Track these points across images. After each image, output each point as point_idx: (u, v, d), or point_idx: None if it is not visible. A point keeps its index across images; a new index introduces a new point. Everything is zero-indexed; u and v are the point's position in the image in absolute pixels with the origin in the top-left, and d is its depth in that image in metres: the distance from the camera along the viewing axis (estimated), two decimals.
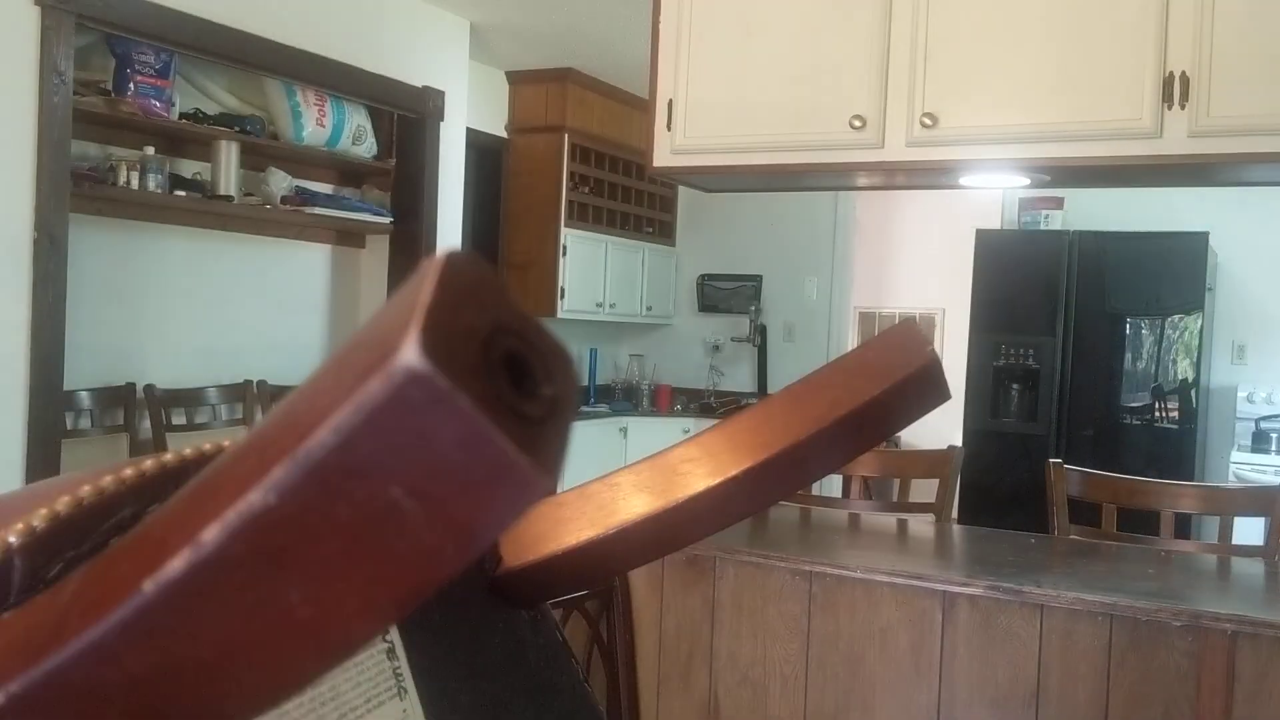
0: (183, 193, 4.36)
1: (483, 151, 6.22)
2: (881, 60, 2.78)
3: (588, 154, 6.52)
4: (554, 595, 0.77)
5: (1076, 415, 5.71)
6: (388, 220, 5.24)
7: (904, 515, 2.99)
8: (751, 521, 2.70)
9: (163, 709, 0.29)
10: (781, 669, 2.30)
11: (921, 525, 2.87)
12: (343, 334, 5.27)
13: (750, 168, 2.98)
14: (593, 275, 6.59)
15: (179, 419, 4.62)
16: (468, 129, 5.55)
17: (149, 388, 4.49)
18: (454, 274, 0.25)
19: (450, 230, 5.39)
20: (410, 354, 0.23)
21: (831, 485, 5.16)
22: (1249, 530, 2.95)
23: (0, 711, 0.28)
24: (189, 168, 4.53)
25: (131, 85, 4.08)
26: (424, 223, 5.21)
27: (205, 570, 0.25)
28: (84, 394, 4.25)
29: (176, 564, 0.25)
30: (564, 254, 6.33)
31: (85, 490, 0.46)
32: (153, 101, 4.14)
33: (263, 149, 4.71)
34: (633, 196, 6.97)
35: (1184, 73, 2.46)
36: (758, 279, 7.19)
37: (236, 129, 4.53)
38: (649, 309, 7.20)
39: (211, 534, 0.25)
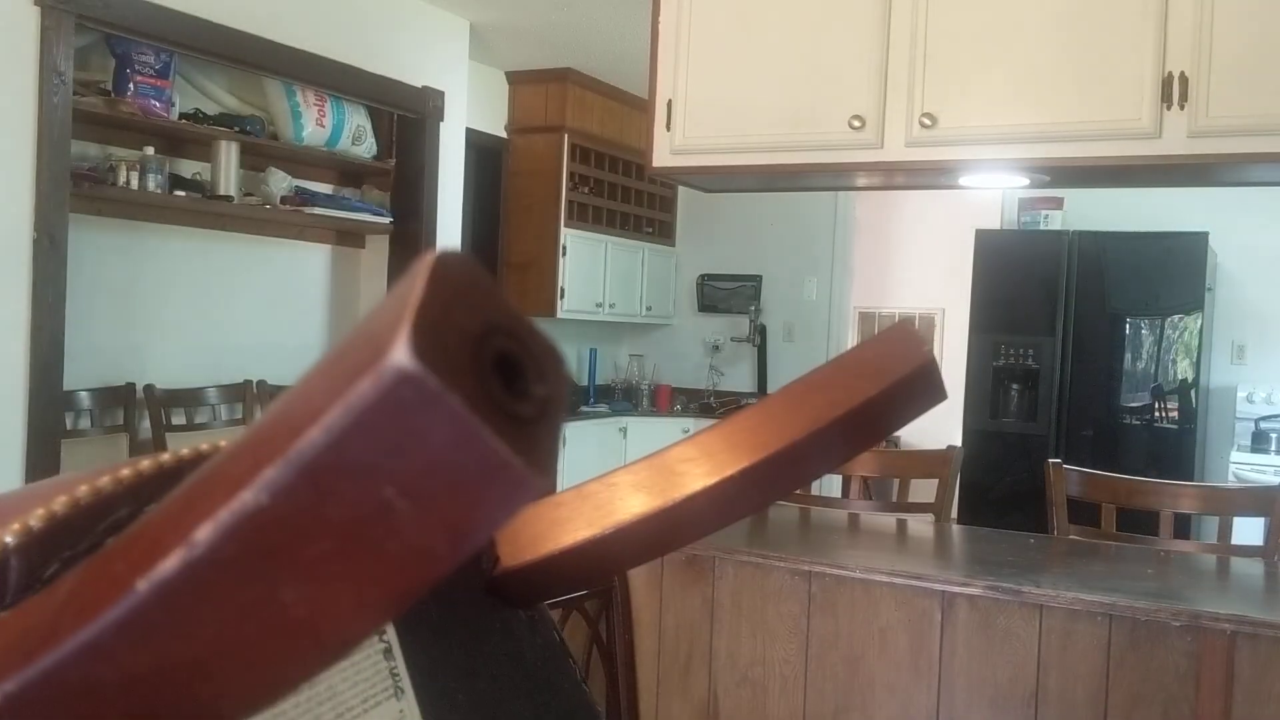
0: (182, 193, 4.36)
1: (482, 151, 6.22)
2: (881, 60, 2.79)
3: (587, 154, 6.53)
4: (552, 595, 0.77)
5: (1076, 415, 5.72)
6: (387, 220, 5.24)
7: (903, 515, 3.00)
8: (751, 521, 2.71)
9: (158, 708, 0.29)
10: (781, 669, 2.30)
11: (921, 525, 2.87)
12: (342, 334, 5.27)
13: (749, 168, 2.98)
14: (593, 275, 6.60)
15: (179, 419, 4.62)
16: (467, 129, 5.55)
17: (149, 388, 4.49)
18: (445, 273, 0.25)
19: (450, 230, 5.39)
20: (401, 354, 0.23)
21: (831, 485, 5.16)
22: (1248, 530, 2.95)
23: None
24: (189, 168, 4.53)
25: (131, 85, 4.08)
26: (424, 223, 5.21)
27: (199, 569, 0.25)
28: (84, 394, 4.25)
29: (170, 563, 0.25)
30: (564, 254, 6.33)
31: (82, 490, 0.46)
32: (152, 102, 4.15)
33: (262, 149, 4.72)
34: (632, 196, 6.98)
35: (1183, 73, 2.46)
36: (757, 279, 7.20)
37: (236, 129, 4.54)
38: (649, 309, 7.20)
39: (204, 533, 0.25)
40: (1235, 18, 2.43)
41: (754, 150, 2.95)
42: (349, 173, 5.33)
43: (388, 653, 0.57)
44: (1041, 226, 6.28)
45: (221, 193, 4.46)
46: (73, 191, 3.73)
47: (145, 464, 0.49)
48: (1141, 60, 2.50)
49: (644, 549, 0.72)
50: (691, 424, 6.44)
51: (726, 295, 7.29)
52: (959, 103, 2.69)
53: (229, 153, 4.49)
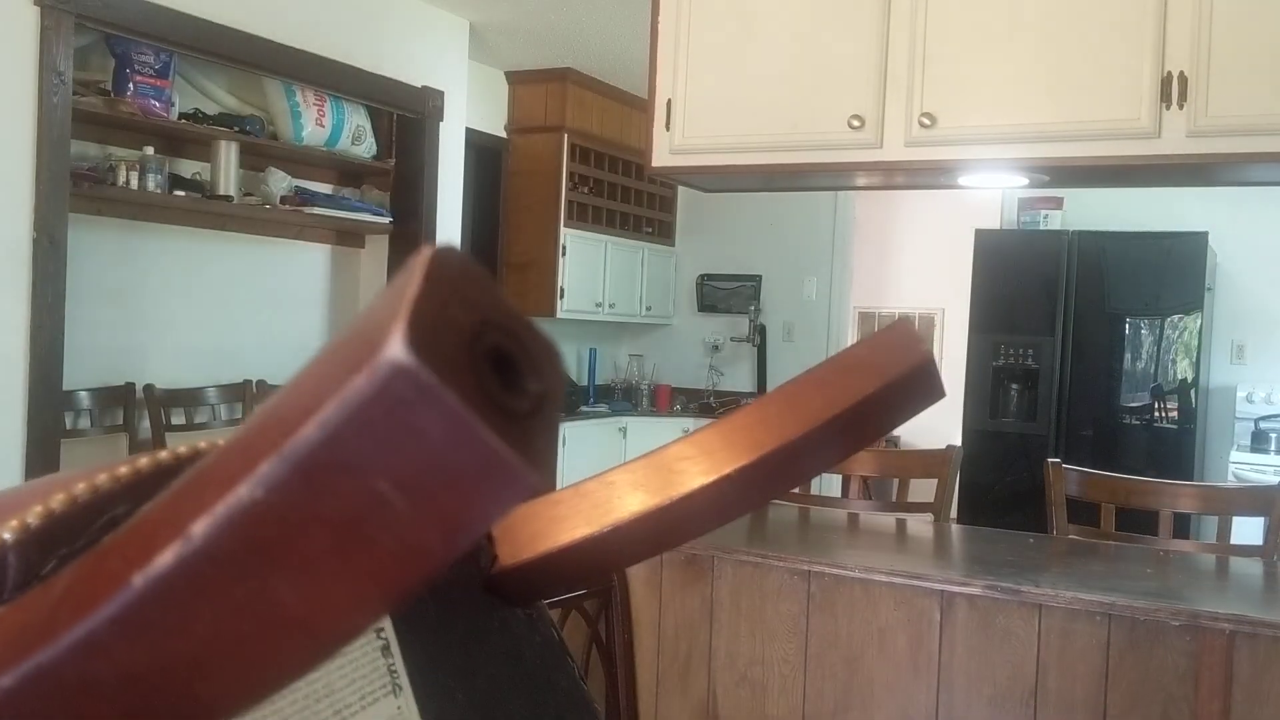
0: (182, 193, 4.36)
1: (482, 151, 6.23)
2: (880, 60, 2.79)
3: (587, 154, 6.53)
4: (550, 593, 0.77)
5: (1076, 415, 5.72)
6: (387, 220, 5.24)
7: (903, 515, 3.00)
8: (750, 521, 2.71)
9: (155, 702, 0.29)
10: (780, 668, 2.30)
11: (920, 525, 2.87)
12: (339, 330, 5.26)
13: (749, 167, 2.98)
14: (592, 275, 6.60)
15: (178, 419, 4.62)
16: (467, 129, 5.55)
17: (148, 388, 4.49)
18: (441, 269, 0.25)
19: (450, 230, 5.39)
20: (396, 349, 0.23)
21: (831, 485, 5.16)
22: (1248, 530, 2.95)
23: None
24: (188, 168, 4.53)
25: (131, 85, 4.08)
26: (423, 223, 5.21)
27: (194, 564, 0.25)
28: (83, 394, 4.25)
29: (166, 558, 0.26)
30: (563, 254, 6.33)
31: (80, 487, 0.46)
32: (152, 101, 4.15)
33: (262, 149, 4.72)
34: (632, 196, 6.98)
35: (1182, 72, 2.46)
36: (757, 279, 7.20)
37: (236, 129, 4.54)
38: (648, 309, 7.20)
39: (200, 528, 0.25)
40: (1234, 17, 2.43)
41: (753, 150, 2.95)
42: (348, 173, 5.33)
43: (385, 650, 0.57)
44: (1041, 226, 6.28)
45: (221, 193, 4.46)
46: (72, 191, 3.73)
47: (143, 462, 0.49)
48: (1141, 60, 2.50)
49: (642, 547, 0.72)
50: (691, 424, 6.44)
51: (726, 295, 7.29)
52: (958, 102, 2.69)
53: (229, 153, 4.49)
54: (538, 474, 0.25)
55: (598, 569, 0.87)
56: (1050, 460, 2.85)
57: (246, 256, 4.92)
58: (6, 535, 0.42)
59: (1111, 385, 5.70)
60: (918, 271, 7.52)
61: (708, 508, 0.65)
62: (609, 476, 0.68)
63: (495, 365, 0.25)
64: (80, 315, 3.93)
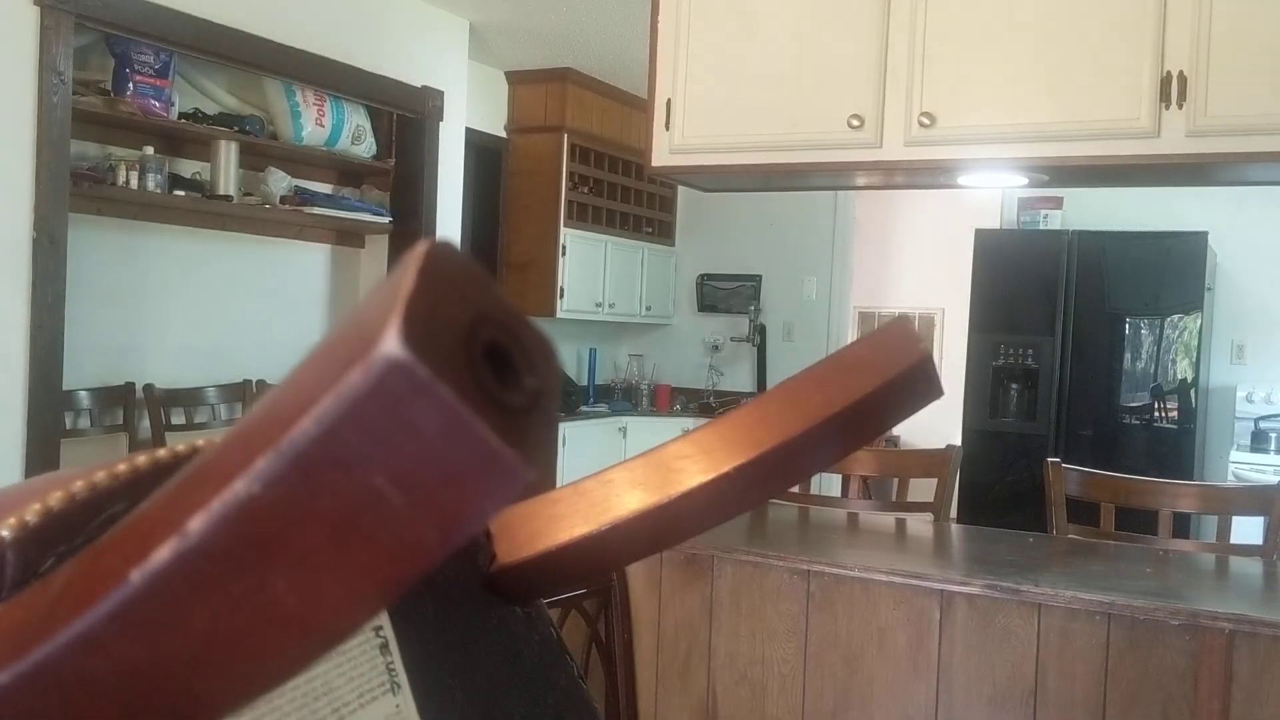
0: (182, 192, 4.36)
1: (482, 151, 6.23)
2: (879, 59, 2.79)
3: (587, 154, 6.53)
4: (549, 592, 0.77)
5: (1076, 415, 5.72)
6: (387, 220, 5.24)
7: (902, 514, 3.00)
8: (750, 520, 2.71)
9: (152, 699, 0.29)
10: (780, 668, 2.30)
11: (920, 525, 2.87)
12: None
13: (748, 167, 2.98)
14: (592, 275, 6.60)
15: (178, 419, 4.62)
16: (467, 129, 5.55)
17: (148, 387, 4.49)
18: (436, 264, 0.25)
19: (450, 230, 5.39)
20: (391, 343, 0.23)
21: (831, 484, 5.16)
22: (1247, 529, 2.95)
23: None
24: (188, 167, 4.53)
25: (131, 85, 4.08)
26: (423, 223, 5.21)
27: (192, 560, 0.25)
28: (83, 394, 4.25)
29: (163, 553, 0.26)
30: (563, 254, 6.33)
31: (78, 485, 0.46)
32: (152, 101, 4.15)
33: (262, 149, 4.72)
34: (632, 196, 6.98)
35: (1181, 72, 2.46)
36: (757, 279, 7.20)
37: (236, 129, 4.54)
38: (648, 309, 7.20)
39: (197, 523, 0.25)
40: (1233, 17, 2.43)
41: (753, 149, 2.95)
42: (348, 172, 5.33)
43: (384, 648, 0.57)
44: (1041, 226, 6.28)
45: (221, 192, 4.46)
46: (72, 191, 3.73)
47: (142, 460, 0.49)
48: (1139, 59, 2.50)
49: (641, 546, 0.72)
50: (691, 424, 6.44)
51: (726, 295, 7.29)
52: (958, 102, 2.69)
53: (228, 152, 4.49)
54: (533, 469, 0.25)
55: (597, 567, 0.87)
56: (1050, 460, 2.85)
57: (246, 256, 4.92)
58: (5, 533, 0.42)
59: (1111, 385, 5.70)
60: (918, 271, 7.52)
61: (706, 506, 0.65)
62: (608, 475, 0.68)
63: (491, 361, 0.25)
64: (80, 315, 3.93)
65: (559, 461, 5.89)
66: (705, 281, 7.37)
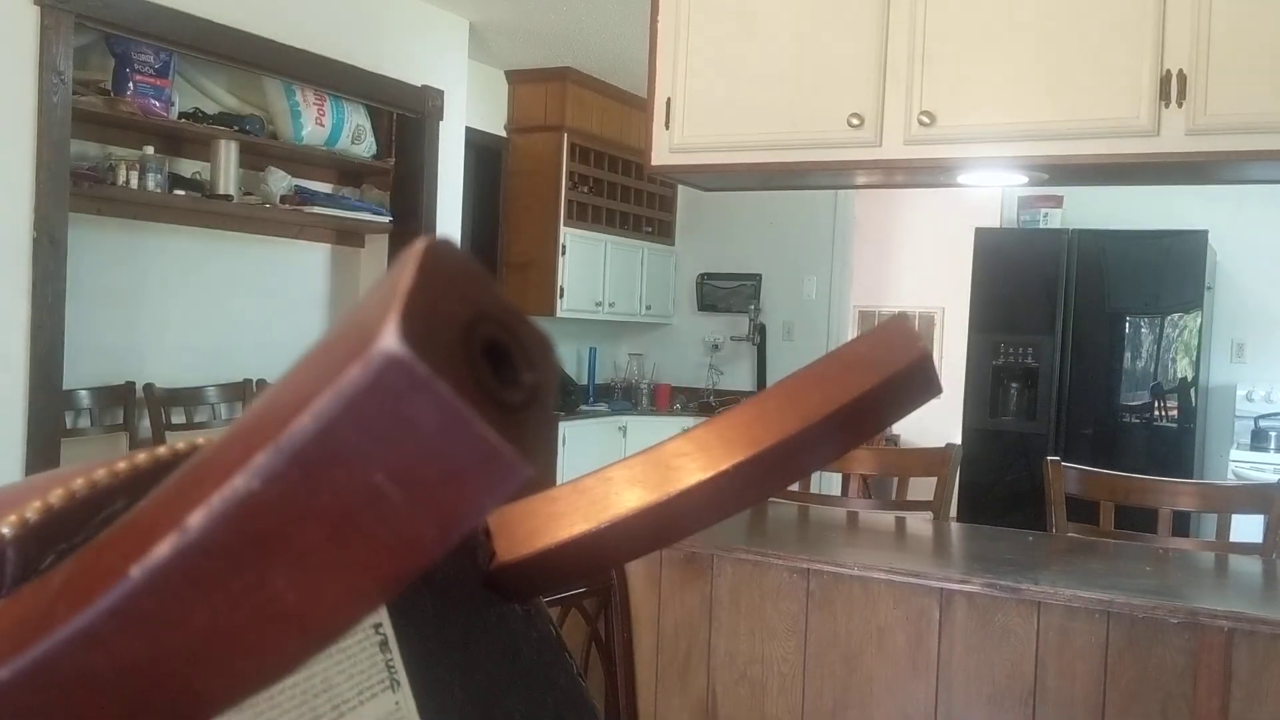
0: (182, 192, 4.36)
1: (482, 151, 6.23)
2: (879, 58, 2.79)
3: (587, 153, 6.53)
4: (548, 589, 0.77)
5: (1076, 414, 5.72)
6: (387, 220, 5.24)
7: (902, 513, 3.00)
8: (749, 519, 2.71)
9: (152, 695, 0.29)
10: (779, 667, 2.30)
11: (919, 523, 2.87)
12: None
13: (748, 166, 2.98)
14: (592, 275, 6.60)
15: (178, 418, 4.62)
16: (467, 128, 5.55)
17: (148, 387, 4.50)
18: (435, 261, 0.25)
19: (450, 229, 5.39)
20: (389, 340, 0.23)
21: (831, 483, 5.16)
22: (1247, 528, 2.95)
23: None
24: (188, 167, 4.53)
25: (131, 85, 4.08)
26: (423, 222, 5.21)
27: (191, 556, 0.26)
28: (83, 393, 4.25)
29: (163, 549, 0.26)
30: (563, 253, 6.33)
31: (78, 483, 0.47)
32: (152, 101, 4.15)
33: (262, 148, 4.72)
34: (632, 196, 6.98)
35: (1181, 70, 2.46)
36: (757, 278, 7.20)
37: (236, 128, 4.54)
38: (648, 308, 7.21)
39: (197, 519, 0.25)
40: (1233, 16, 2.43)
41: (753, 148, 2.95)
42: (348, 172, 5.33)
43: (384, 645, 0.57)
44: (1041, 225, 6.28)
45: (221, 192, 4.46)
46: (72, 191, 3.73)
47: (142, 458, 0.50)
48: (1140, 58, 2.50)
49: (640, 543, 0.72)
50: (691, 423, 6.40)
51: (726, 294, 7.29)
52: (957, 100, 2.69)
53: (228, 152, 4.49)
54: (531, 465, 0.25)
55: (596, 565, 0.87)
56: (1049, 459, 2.85)
57: (246, 256, 4.92)
58: (5, 530, 0.42)
59: (1111, 384, 5.70)
60: (918, 270, 7.52)
61: (705, 504, 0.65)
62: (606, 473, 0.68)
63: (489, 357, 0.26)
64: (80, 314, 3.94)
65: (559, 460, 5.90)
66: (705, 281, 7.37)
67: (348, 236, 5.38)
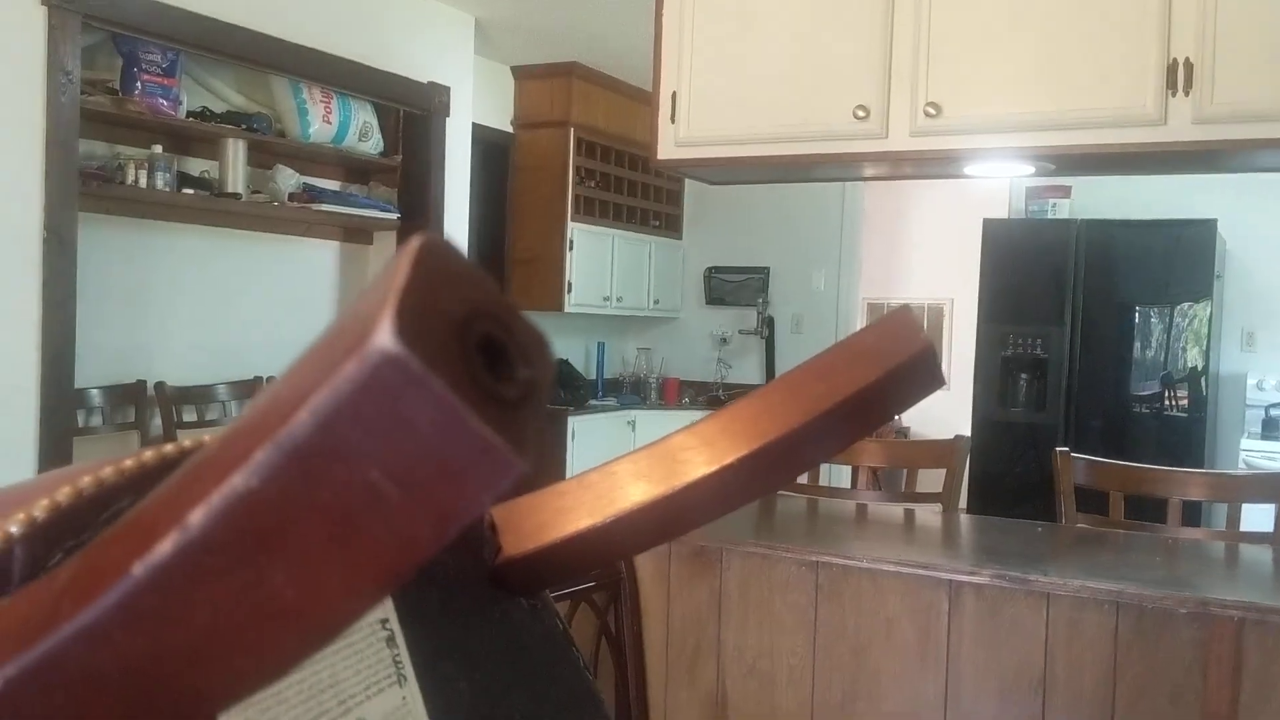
0: (190, 191, 4.37)
1: (489, 147, 6.23)
2: (884, 50, 2.78)
3: (593, 148, 6.52)
4: (554, 583, 0.78)
5: (1085, 404, 5.71)
6: (395, 216, 5.25)
7: (911, 505, 3.00)
8: (758, 512, 2.71)
9: (156, 690, 0.29)
10: (789, 660, 2.31)
11: (928, 515, 2.87)
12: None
13: (755, 159, 2.98)
14: (599, 269, 6.60)
15: (189, 416, 4.64)
16: (473, 124, 5.55)
17: (159, 385, 4.51)
18: (430, 259, 0.26)
19: (457, 225, 5.39)
20: (385, 337, 0.23)
21: (840, 475, 5.16)
22: (1258, 517, 2.95)
23: None
24: (196, 166, 4.54)
25: (138, 84, 4.09)
26: (431, 219, 5.22)
27: (193, 553, 0.26)
28: (95, 392, 4.27)
29: (165, 547, 0.26)
30: (570, 248, 6.33)
31: (85, 481, 0.47)
32: (160, 100, 4.16)
33: (270, 146, 4.73)
34: (639, 190, 6.98)
35: (1188, 59, 2.45)
36: (765, 271, 7.19)
37: (243, 127, 4.54)
38: (656, 302, 7.20)
39: (198, 517, 0.26)
40: (1240, 3, 2.42)
41: (759, 141, 2.95)
42: (356, 169, 5.34)
43: (390, 640, 0.58)
44: (1049, 215, 6.27)
45: (229, 190, 4.48)
46: (81, 190, 3.74)
47: (148, 456, 0.50)
48: (1146, 47, 2.49)
49: (645, 537, 0.72)
50: (700, 417, 6.41)
51: (734, 288, 7.29)
52: (963, 92, 2.69)
53: (236, 150, 4.50)
54: (526, 460, 0.25)
55: (601, 559, 0.88)
56: (1058, 450, 2.85)
57: (255, 254, 4.93)
58: (13, 529, 0.43)
59: (1121, 374, 5.69)
60: (926, 262, 7.50)
61: (711, 497, 0.66)
62: (611, 467, 0.69)
63: (485, 353, 0.26)
64: (90, 313, 3.95)
65: (568, 454, 5.90)
66: (713, 274, 7.37)
67: (356, 234, 5.39)
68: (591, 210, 6.53)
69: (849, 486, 3.44)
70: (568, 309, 6.33)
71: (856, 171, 3.40)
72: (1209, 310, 5.56)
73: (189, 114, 4.37)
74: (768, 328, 7.04)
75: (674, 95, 3.02)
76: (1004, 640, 2.12)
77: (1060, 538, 2.63)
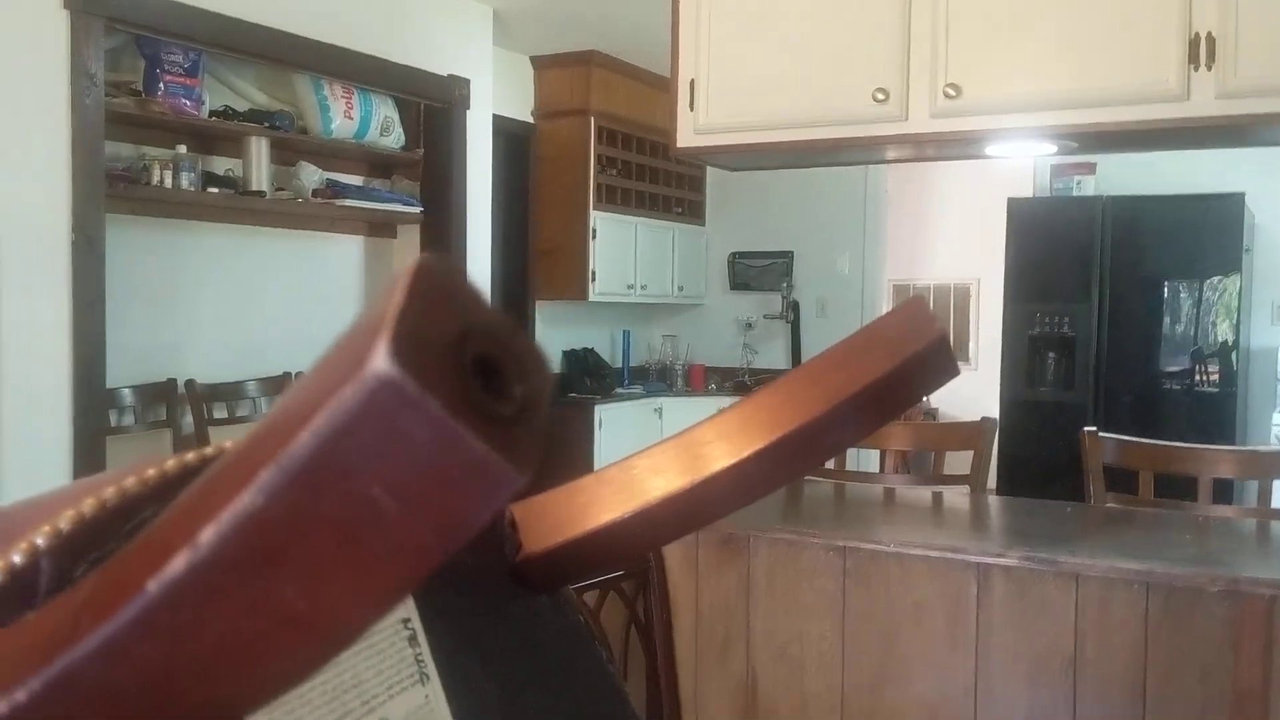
0: (215, 190, 4.41)
1: (509, 137, 6.24)
2: (903, 31, 2.77)
3: (614, 136, 6.52)
4: (575, 579, 0.78)
5: (1115, 382, 5.67)
6: (418, 210, 5.27)
7: (939, 488, 2.99)
8: (785, 498, 2.71)
9: (176, 700, 0.30)
10: (818, 645, 2.31)
11: (956, 498, 2.86)
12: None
13: (774, 145, 2.98)
14: (623, 257, 6.60)
15: (220, 413, 4.69)
16: (494, 115, 5.56)
17: (190, 383, 4.56)
18: (425, 280, 0.26)
19: (480, 217, 5.41)
20: (380, 360, 0.24)
21: (868, 459, 5.15)
22: None
23: (23, 708, 0.30)
24: (221, 164, 4.58)
25: (161, 85, 4.12)
26: (454, 211, 5.24)
27: (204, 570, 0.27)
28: (126, 391, 4.32)
29: (177, 564, 0.27)
30: (594, 237, 6.34)
31: (109, 492, 0.48)
32: (183, 100, 4.19)
33: (292, 143, 4.75)
34: (660, 177, 6.97)
35: (1210, 33, 2.43)
36: (789, 255, 7.18)
37: (266, 125, 4.57)
38: (680, 289, 7.20)
39: (208, 535, 0.26)
40: None
41: (778, 127, 2.94)
42: (378, 164, 5.36)
43: (413, 640, 0.59)
44: (1074, 193, 6.21)
45: (254, 188, 4.51)
46: (108, 192, 3.78)
47: (170, 465, 0.51)
48: (1167, 22, 2.46)
49: (666, 531, 0.73)
50: (727, 403, 6.40)
51: (758, 273, 7.27)
52: (983, 72, 2.67)
53: (259, 148, 4.53)
54: (524, 474, 0.26)
55: (622, 553, 0.88)
56: (1086, 429, 2.83)
57: (281, 250, 4.97)
58: (40, 541, 0.44)
59: (1150, 350, 5.64)
60: (951, 242, 7.45)
61: (730, 490, 0.66)
62: (630, 462, 0.69)
63: (481, 371, 0.26)
64: (120, 314, 3.99)
65: (595, 443, 5.92)
66: (737, 259, 7.36)
67: (380, 228, 5.42)
68: (614, 198, 6.53)
69: (877, 470, 3.43)
70: (592, 298, 6.34)
71: (877, 155, 3.39)
72: (1238, 284, 5.50)
73: (212, 113, 4.40)
74: (793, 312, 7.03)
75: (692, 83, 3.01)
76: (1033, 622, 2.12)
77: (1089, 518, 2.62)
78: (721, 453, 0.66)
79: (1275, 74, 2.37)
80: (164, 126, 4.24)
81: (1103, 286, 5.64)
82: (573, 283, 6.30)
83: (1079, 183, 6.21)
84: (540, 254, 6.43)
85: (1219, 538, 2.44)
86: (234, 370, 4.76)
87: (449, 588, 0.64)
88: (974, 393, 5.80)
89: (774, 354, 7.21)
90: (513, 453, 0.26)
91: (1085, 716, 2.06)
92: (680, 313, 7.45)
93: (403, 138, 5.20)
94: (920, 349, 0.65)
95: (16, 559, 0.44)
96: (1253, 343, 6.19)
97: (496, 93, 5.55)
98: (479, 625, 0.64)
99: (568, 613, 0.74)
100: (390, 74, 4.83)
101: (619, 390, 6.62)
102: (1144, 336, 5.64)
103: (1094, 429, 2.83)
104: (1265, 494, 2.74)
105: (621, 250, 6.58)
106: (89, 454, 3.65)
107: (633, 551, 1.31)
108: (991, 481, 3.20)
